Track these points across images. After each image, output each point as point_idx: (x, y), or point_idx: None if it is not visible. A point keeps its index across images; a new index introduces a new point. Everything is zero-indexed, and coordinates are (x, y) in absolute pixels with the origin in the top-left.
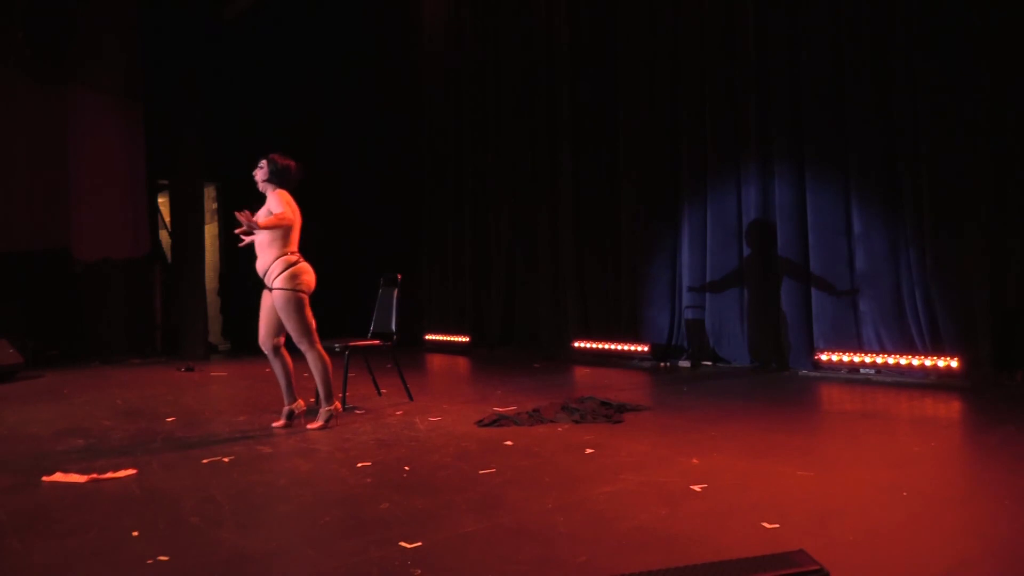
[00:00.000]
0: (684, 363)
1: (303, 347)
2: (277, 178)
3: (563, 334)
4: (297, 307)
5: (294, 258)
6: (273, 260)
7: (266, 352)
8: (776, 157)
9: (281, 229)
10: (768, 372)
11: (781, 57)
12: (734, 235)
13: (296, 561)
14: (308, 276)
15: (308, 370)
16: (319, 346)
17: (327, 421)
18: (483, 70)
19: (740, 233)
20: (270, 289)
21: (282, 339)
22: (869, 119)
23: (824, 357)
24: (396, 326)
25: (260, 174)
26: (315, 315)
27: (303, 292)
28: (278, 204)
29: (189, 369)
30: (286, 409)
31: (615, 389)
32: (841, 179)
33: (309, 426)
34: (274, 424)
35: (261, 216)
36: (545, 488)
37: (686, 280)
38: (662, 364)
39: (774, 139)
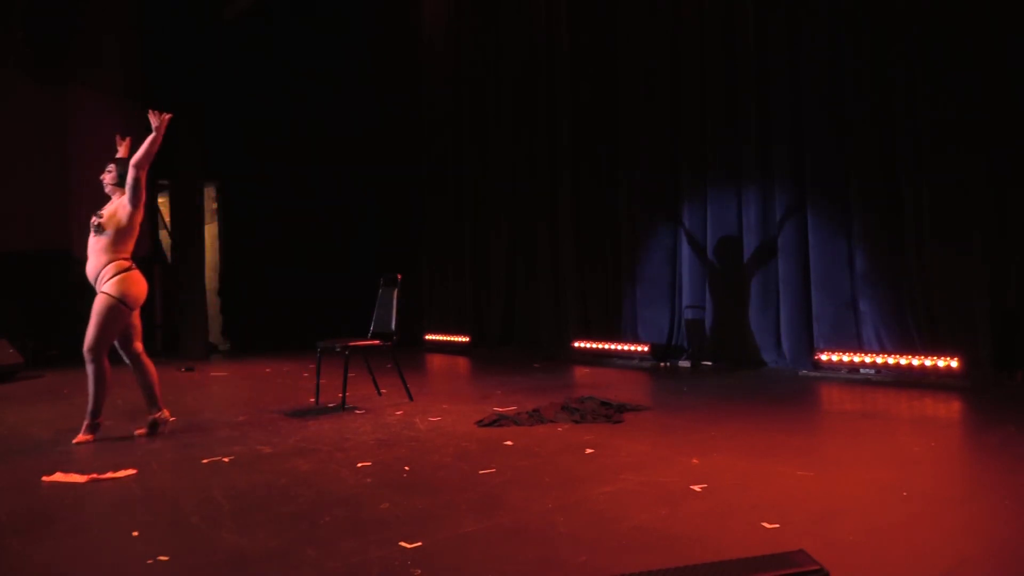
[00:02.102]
0: (684, 363)
1: (89, 356)
2: (126, 181)
3: (563, 334)
4: (111, 316)
5: (127, 264)
6: (105, 264)
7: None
8: (776, 158)
9: (119, 234)
10: (768, 372)
11: (781, 58)
12: (734, 235)
13: (296, 561)
14: (138, 287)
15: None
16: (105, 361)
17: (94, 432)
18: (484, 69)
19: (740, 233)
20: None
21: (139, 344)
22: (870, 119)
23: (824, 357)
24: (396, 326)
25: (108, 178)
26: (315, 317)
27: (127, 305)
28: (125, 204)
29: (189, 369)
30: (150, 419)
31: (615, 389)
32: (842, 178)
33: (76, 441)
34: (136, 432)
35: (107, 214)
36: (545, 488)
37: (686, 280)
38: (662, 364)
39: (774, 140)
